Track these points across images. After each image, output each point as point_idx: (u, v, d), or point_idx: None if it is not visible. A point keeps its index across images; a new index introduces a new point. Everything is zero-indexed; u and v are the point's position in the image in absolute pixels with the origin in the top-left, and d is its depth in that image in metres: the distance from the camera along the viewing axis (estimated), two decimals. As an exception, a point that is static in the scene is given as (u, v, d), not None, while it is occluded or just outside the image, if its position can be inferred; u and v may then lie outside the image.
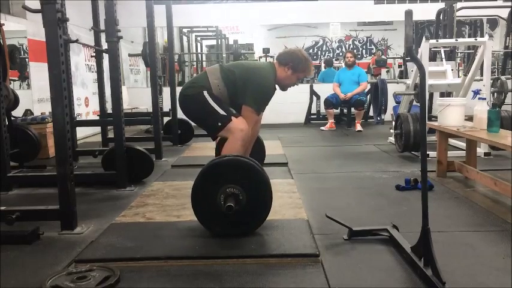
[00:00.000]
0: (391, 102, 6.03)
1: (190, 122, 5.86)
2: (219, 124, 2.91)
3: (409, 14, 1.95)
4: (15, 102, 4.34)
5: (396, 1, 9.50)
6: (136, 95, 8.39)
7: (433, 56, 6.19)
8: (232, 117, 2.91)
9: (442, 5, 6.83)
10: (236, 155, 2.64)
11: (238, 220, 2.36)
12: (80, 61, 6.99)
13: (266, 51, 12.60)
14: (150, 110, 5.34)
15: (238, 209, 2.31)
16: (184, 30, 11.42)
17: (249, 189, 2.35)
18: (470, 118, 3.64)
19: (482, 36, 7.53)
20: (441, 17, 6.54)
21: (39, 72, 5.43)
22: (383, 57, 12.03)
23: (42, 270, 2.06)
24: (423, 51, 4.53)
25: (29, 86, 5.58)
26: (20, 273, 2.06)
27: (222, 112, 2.91)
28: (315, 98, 8.12)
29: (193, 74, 11.52)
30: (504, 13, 7.45)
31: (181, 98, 3.09)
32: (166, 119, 6.15)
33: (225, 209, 2.29)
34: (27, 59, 5.50)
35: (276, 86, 3.16)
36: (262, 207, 2.39)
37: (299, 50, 3.18)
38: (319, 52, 15.63)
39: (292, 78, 3.14)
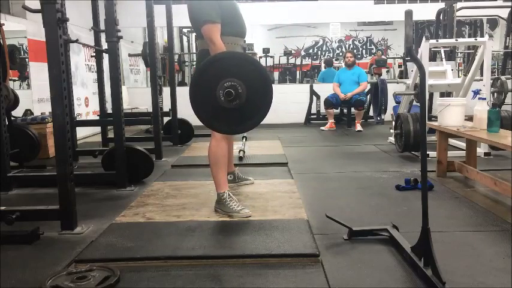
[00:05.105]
0: (391, 102, 6.04)
1: (190, 122, 5.93)
2: None
3: (409, 14, 1.95)
4: (15, 102, 4.35)
5: (396, 1, 9.49)
6: (137, 95, 8.39)
7: (433, 56, 6.20)
8: None
9: (442, 5, 6.83)
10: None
11: (241, 115, 2.32)
12: (80, 61, 6.99)
13: (266, 51, 12.60)
14: (150, 110, 5.34)
15: (239, 103, 2.26)
16: (184, 30, 11.42)
17: (248, 82, 2.30)
18: (470, 118, 3.64)
19: (482, 36, 7.54)
20: (441, 17, 6.55)
21: (39, 72, 5.43)
22: (383, 57, 12.03)
23: (42, 270, 2.06)
24: (423, 51, 4.53)
25: (29, 86, 5.58)
26: (20, 273, 2.06)
27: None
28: (315, 98, 8.12)
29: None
30: (504, 13, 7.45)
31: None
32: (166, 119, 6.15)
33: (224, 95, 2.24)
34: (27, 59, 5.49)
35: None
36: (263, 99, 2.34)
37: None
38: (319, 52, 15.64)
39: None
